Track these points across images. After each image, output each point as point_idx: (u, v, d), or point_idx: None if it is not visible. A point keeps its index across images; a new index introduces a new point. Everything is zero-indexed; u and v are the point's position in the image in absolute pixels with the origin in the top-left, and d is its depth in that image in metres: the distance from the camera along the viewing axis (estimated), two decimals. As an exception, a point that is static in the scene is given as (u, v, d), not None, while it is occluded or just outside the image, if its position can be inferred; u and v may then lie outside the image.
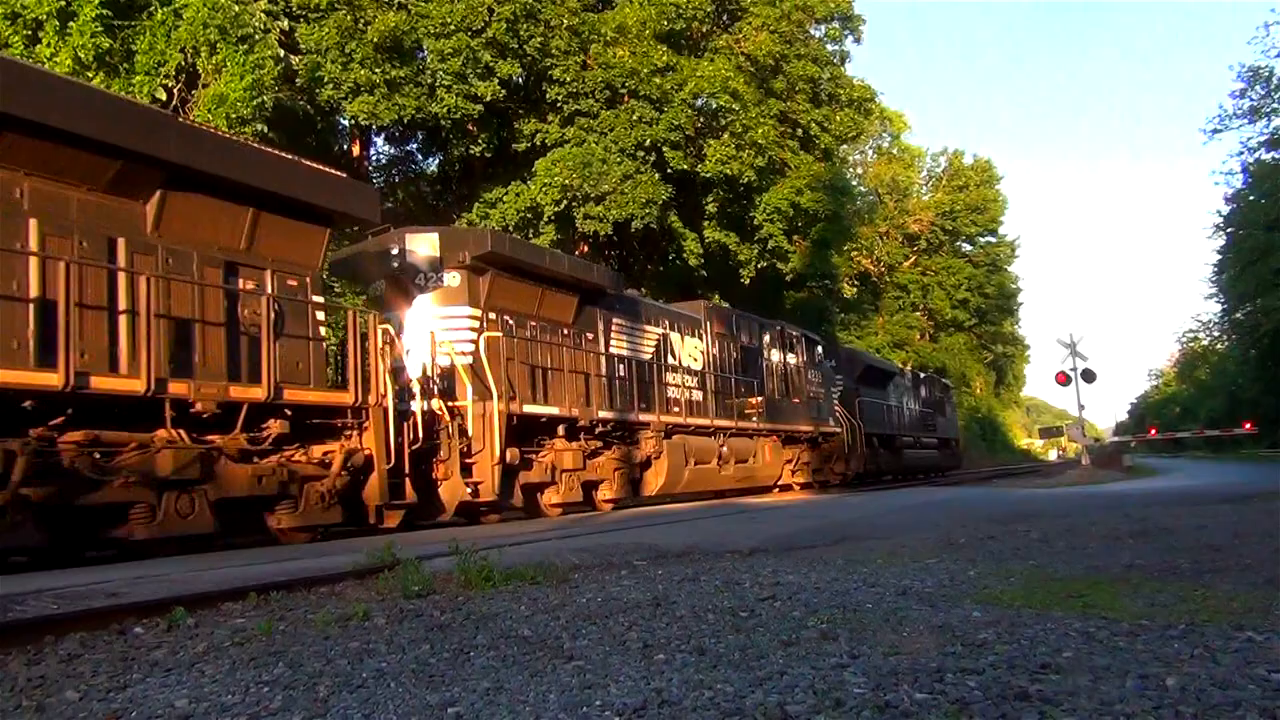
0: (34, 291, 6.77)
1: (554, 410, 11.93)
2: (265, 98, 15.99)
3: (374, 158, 27.51)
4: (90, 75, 14.86)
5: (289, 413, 8.50)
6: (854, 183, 44.15)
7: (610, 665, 3.33)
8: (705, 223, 25.70)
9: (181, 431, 7.61)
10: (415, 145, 27.24)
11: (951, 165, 57.50)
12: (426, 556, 5.92)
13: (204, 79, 15.65)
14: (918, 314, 54.58)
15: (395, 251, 11.27)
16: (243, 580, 5.36)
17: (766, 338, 18.76)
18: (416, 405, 9.97)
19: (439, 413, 10.29)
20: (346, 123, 23.32)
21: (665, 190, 22.38)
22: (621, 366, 13.82)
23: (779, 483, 18.74)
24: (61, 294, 6.72)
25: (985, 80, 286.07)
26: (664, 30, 22.78)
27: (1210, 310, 65.39)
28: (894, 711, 2.57)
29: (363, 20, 19.63)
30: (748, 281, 26.64)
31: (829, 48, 28.77)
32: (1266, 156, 40.19)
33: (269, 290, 8.61)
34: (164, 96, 15.37)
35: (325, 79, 19.42)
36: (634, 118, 22.10)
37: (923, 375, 33.84)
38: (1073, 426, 39.31)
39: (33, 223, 6.95)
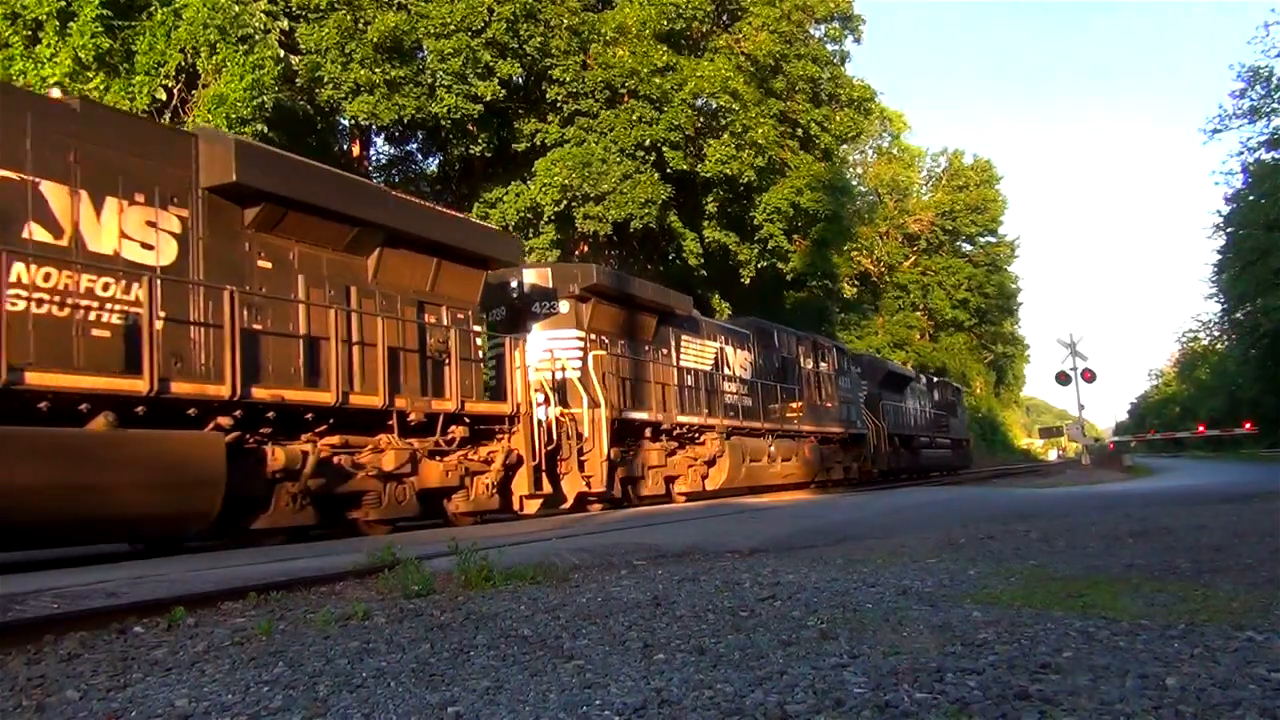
0: (302, 330, 8.85)
1: (644, 415, 13.98)
2: (265, 98, 16.00)
3: (374, 158, 27.53)
4: (90, 75, 14.87)
5: (467, 420, 10.55)
6: (854, 183, 44.16)
7: (610, 665, 3.33)
8: (705, 223, 25.70)
9: (394, 436, 9.60)
10: (415, 145, 27.25)
11: (951, 165, 57.49)
12: (426, 556, 5.92)
13: (204, 79, 15.65)
14: (918, 314, 54.58)
15: (514, 284, 13.16)
16: (243, 580, 5.36)
17: (802, 349, 20.76)
18: (542, 413, 11.79)
19: (561, 419, 12.19)
20: (346, 123, 23.33)
21: (665, 190, 22.38)
22: (689, 377, 15.75)
23: (816, 479, 20.50)
24: (332, 332, 8.85)
25: (985, 80, 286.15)
26: (664, 30, 22.78)
27: (1210, 310, 65.45)
28: (894, 711, 2.57)
29: (363, 20, 19.63)
30: (748, 281, 26.65)
31: (829, 48, 28.79)
32: (1266, 156, 40.21)
33: (446, 322, 10.63)
34: (164, 97, 15.38)
35: (325, 79, 19.43)
36: (634, 118, 22.10)
37: (936, 380, 35.84)
38: (1073, 426, 39.41)
39: (300, 278, 8.96)
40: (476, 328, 11.36)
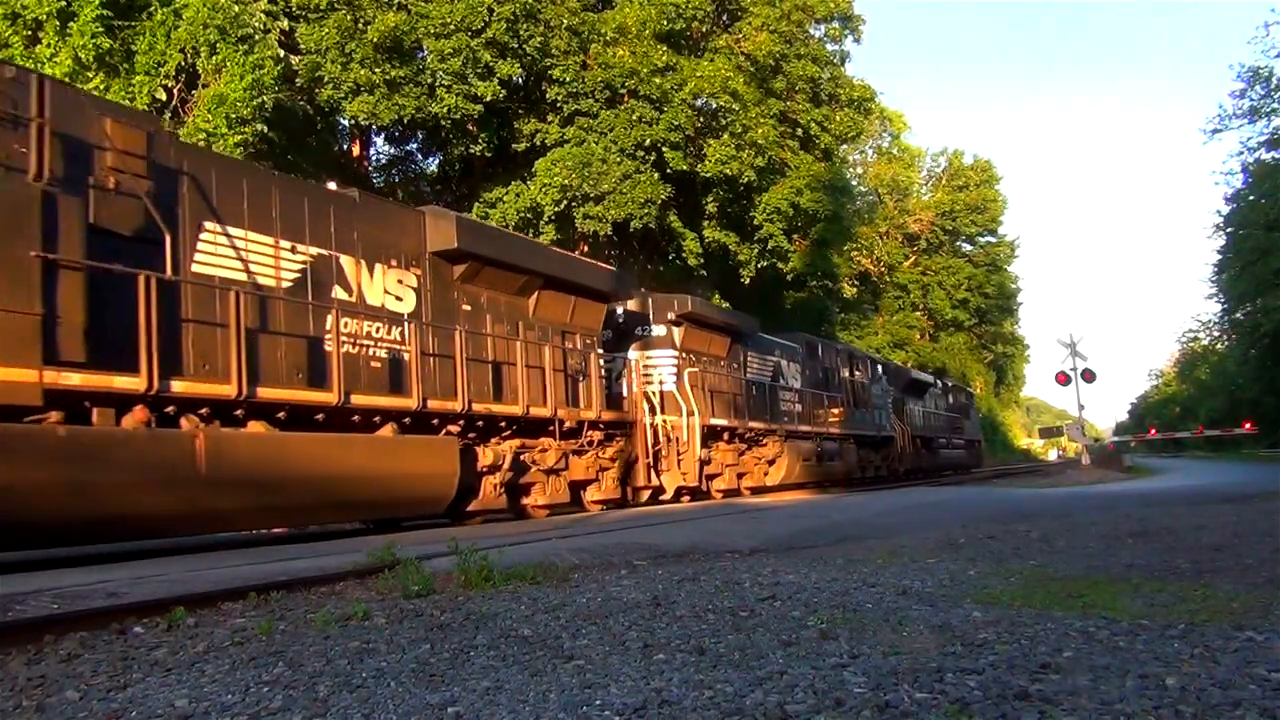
0: (491, 356, 11.37)
1: (724, 421, 16.20)
2: (265, 98, 16.00)
3: (374, 158, 27.52)
4: (90, 75, 14.87)
5: (601, 426, 13.08)
6: (854, 183, 44.14)
7: (610, 665, 3.33)
8: (705, 223, 25.69)
9: (553, 439, 12.07)
10: (415, 145, 27.23)
11: (951, 165, 57.45)
12: (426, 556, 5.92)
13: (204, 79, 15.65)
14: (918, 314, 54.56)
15: (620, 311, 15.04)
16: (243, 580, 5.36)
17: (840, 359, 23.27)
18: (649, 420, 14.22)
19: (663, 425, 14.54)
20: (346, 123, 23.32)
21: (665, 190, 22.37)
22: (754, 388, 17.90)
23: (855, 476, 22.92)
24: (517, 358, 11.51)
25: (985, 80, 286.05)
26: (664, 30, 22.76)
27: (1210, 310, 65.42)
28: (894, 711, 2.57)
29: (363, 20, 19.62)
30: (748, 281, 26.64)
31: (829, 48, 28.75)
32: (1266, 156, 40.21)
33: (580, 347, 13.07)
34: (164, 97, 15.37)
35: (325, 79, 19.42)
36: (634, 118, 22.09)
37: (950, 384, 38.01)
38: (1073, 426, 39.46)
39: (488, 317, 11.45)
40: (600, 350, 13.76)
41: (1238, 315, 47.83)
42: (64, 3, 14.65)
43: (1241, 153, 41.61)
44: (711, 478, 16.05)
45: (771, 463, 18.04)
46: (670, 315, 15.30)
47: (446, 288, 10.90)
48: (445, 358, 10.52)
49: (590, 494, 13.15)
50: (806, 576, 5.52)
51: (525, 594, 5.12)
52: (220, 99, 15.15)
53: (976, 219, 55.68)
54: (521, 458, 11.57)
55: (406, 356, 10.00)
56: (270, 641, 3.96)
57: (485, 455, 10.96)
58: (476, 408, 10.73)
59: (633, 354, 14.74)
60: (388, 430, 9.76)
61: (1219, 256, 47.01)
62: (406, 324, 10.10)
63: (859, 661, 3.17)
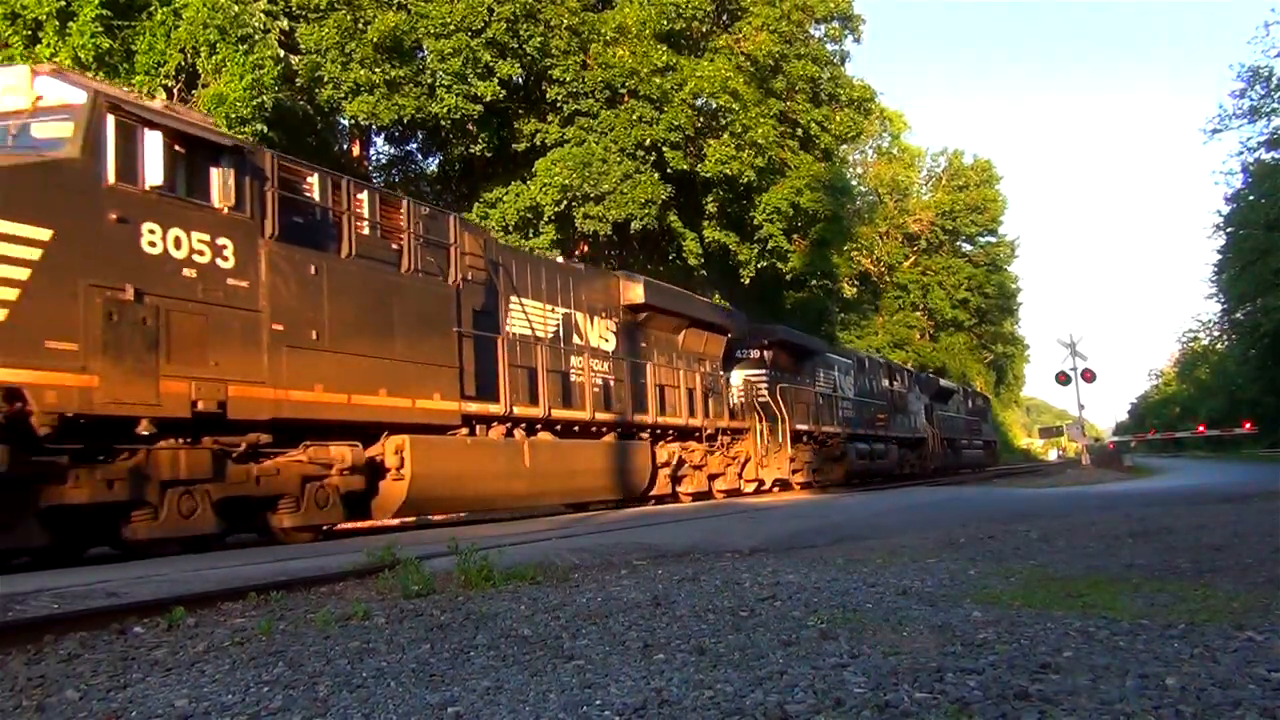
0: (660, 381, 15.08)
1: (805, 427, 19.54)
2: (265, 98, 15.99)
3: (374, 158, 27.50)
4: (90, 75, 14.87)
5: (729, 432, 16.87)
6: (854, 183, 44.11)
7: (610, 665, 3.33)
8: (705, 223, 25.67)
9: (698, 442, 15.95)
10: (415, 145, 27.20)
11: (951, 165, 57.40)
12: (426, 556, 5.92)
13: (204, 79, 15.66)
14: (918, 314, 54.54)
15: (728, 338, 18.14)
16: (243, 580, 5.36)
17: (882, 372, 26.71)
18: (759, 426, 17.74)
19: (765, 431, 17.85)
20: (346, 123, 23.31)
21: (665, 190, 22.35)
22: (821, 399, 21.25)
23: (897, 472, 26.02)
24: (679, 382, 15.54)
25: (985, 80, 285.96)
26: (664, 30, 22.75)
27: (1210, 310, 65.34)
28: (894, 711, 2.57)
29: (363, 20, 19.60)
30: (748, 281, 26.63)
31: (829, 48, 28.71)
32: (1266, 156, 40.20)
33: (709, 371, 16.85)
34: (164, 96, 15.36)
35: (325, 79, 19.41)
36: (634, 118, 22.08)
37: (970, 390, 41.87)
38: (1073, 426, 39.54)
39: (655, 351, 15.23)
40: (722, 372, 17.55)
41: (1238, 315, 47.83)
42: (64, 3, 14.64)
43: (1241, 153, 41.65)
44: (795, 472, 19.25)
45: (838, 460, 21.57)
46: (764, 341, 19.24)
47: (632, 330, 14.81)
48: (637, 383, 14.39)
49: (718, 484, 16.67)
50: (807, 576, 5.52)
51: (525, 594, 5.12)
52: (220, 99, 15.15)
53: (976, 219, 55.64)
54: (678, 457, 15.42)
55: (614, 383, 13.83)
56: (270, 641, 3.96)
57: (661, 454, 14.91)
58: (659, 420, 14.74)
59: (738, 373, 18.50)
60: (610, 437, 13.49)
61: (1219, 256, 47.05)
62: (612, 359, 13.96)
63: (859, 661, 3.17)
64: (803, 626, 3.90)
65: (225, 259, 7.91)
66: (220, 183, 7.97)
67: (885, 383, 26.24)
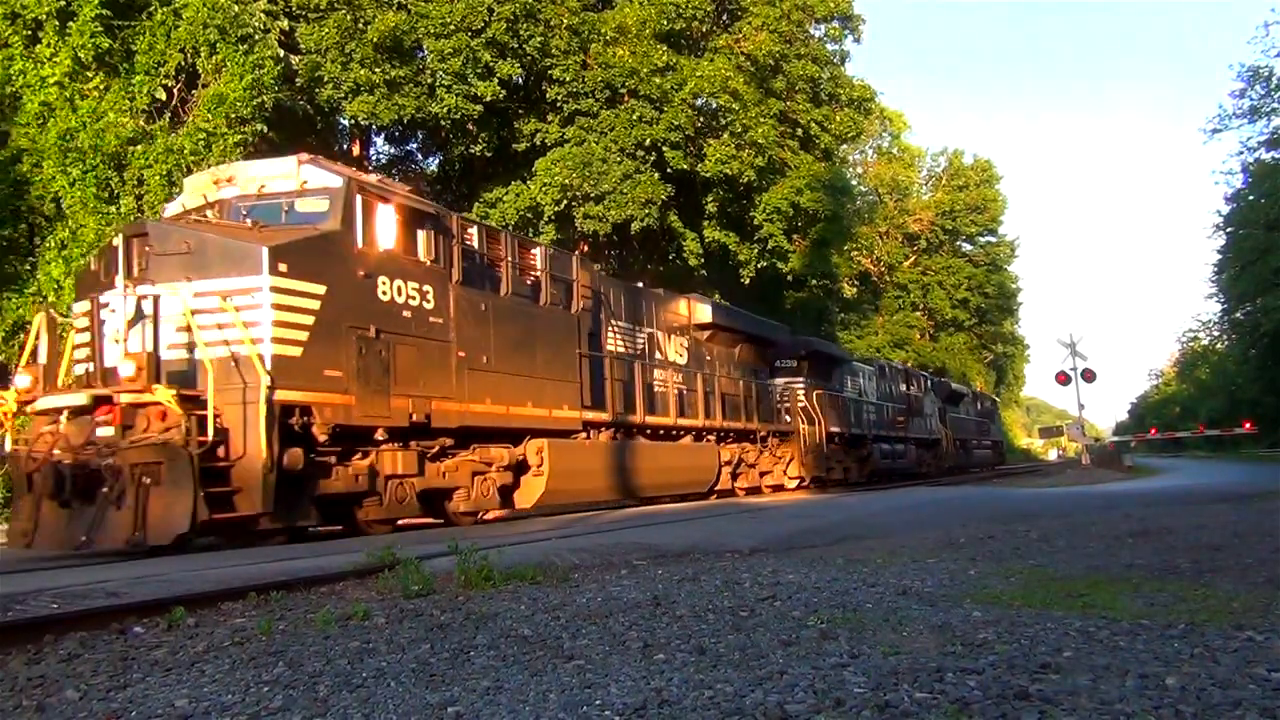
0: (722, 390, 16.98)
1: (838, 429, 21.43)
2: (265, 98, 15.97)
3: (374, 158, 27.49)
4: (90, 75, 14.86)
5: (779, 434, 19.14)
6: (854, 183, 44.09)
7: (610, 665, 3.33)
8: (705, 222, 25.66)
9: (754, 444, 18.20)
10: (415, 145, 27.21)
11: (951, 165, 57.37)
12: (426, 556, 5.92)
13: (204, 79, 15.63)
14: (918, 314, 54.52)
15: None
16: (243, 580, 5.36)
17: (900, 377, 28.60)
18: (803, 429, 19.78)
19: (806, 432, 19.76)
20: (346, 123, 23.31)
21: (665, 190, 22.34)
22: (849, 404, 23.06)
23: (915, 471, 27.90)
24: (739, 390, 17.83)
25: (985, 80, 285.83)
26: (664, 30, 22.74)
27: (1210, 310, 65.26)
28: (894, 711, 2.57)
29: (363, 20, 19.60)
30: (748, 281, 26.62)
31: (829, 47, 28.69)
32: (1266, 156, 40.17)
33: (760, 380, 18.88)
34: (163, 96, 15.36)
35: (325, 79, 19.41)
36: (634, 117, 22.07)
37: (979, 393, 44.14)
38: (1073, 426, 39.58)
39: (718, 363, 17.25)
40: (766, 380, 19.42)
41: (1238, 315, 47.79)
42: (64, 2, 14.62)
43: (1241, 152, 41.60)
44: (829, 470, 21.22)
45: (865, 460, 23.39)
46: (801, 351, 20.99)
47: (697, 345, 16.78)
48: (705, 392, 16.35)
49: (766, 480, 18.95)
50: (806, 576, 5.52)
51: (525, 594, 5.12)
52: (220, 99, 15.13)
53: (976, 219, 55.62)
54: (739, 456, 17.48)
55: (686, 392, 15.88)
56: (270, 641, 3.96)
57: (724, 454, 16.82)
58: (722, 424, 16.69)
59: (779, 380, 20.17)
60: (687, 440, 15.74)
61: (1219, 256, 46.98)
62: (685, 372, 16.07)
63: (859, 661, 3.17)
64: (803, 626, 3.90)
65: (428, 301, 9.99)
66: (425, 242, 10.09)
67: (903, 387, 28.13)
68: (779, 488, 19.29)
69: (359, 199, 9.33)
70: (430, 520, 11.10)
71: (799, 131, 26.82)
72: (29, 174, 14.27)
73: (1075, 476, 28.08)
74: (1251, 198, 41.58)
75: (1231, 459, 44.35)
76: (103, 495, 7.56)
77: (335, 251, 9.04)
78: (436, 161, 27.69)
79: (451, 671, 3.34)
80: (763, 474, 18.73)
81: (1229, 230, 44.53)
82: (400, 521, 10.13)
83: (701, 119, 23.59)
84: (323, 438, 8.63)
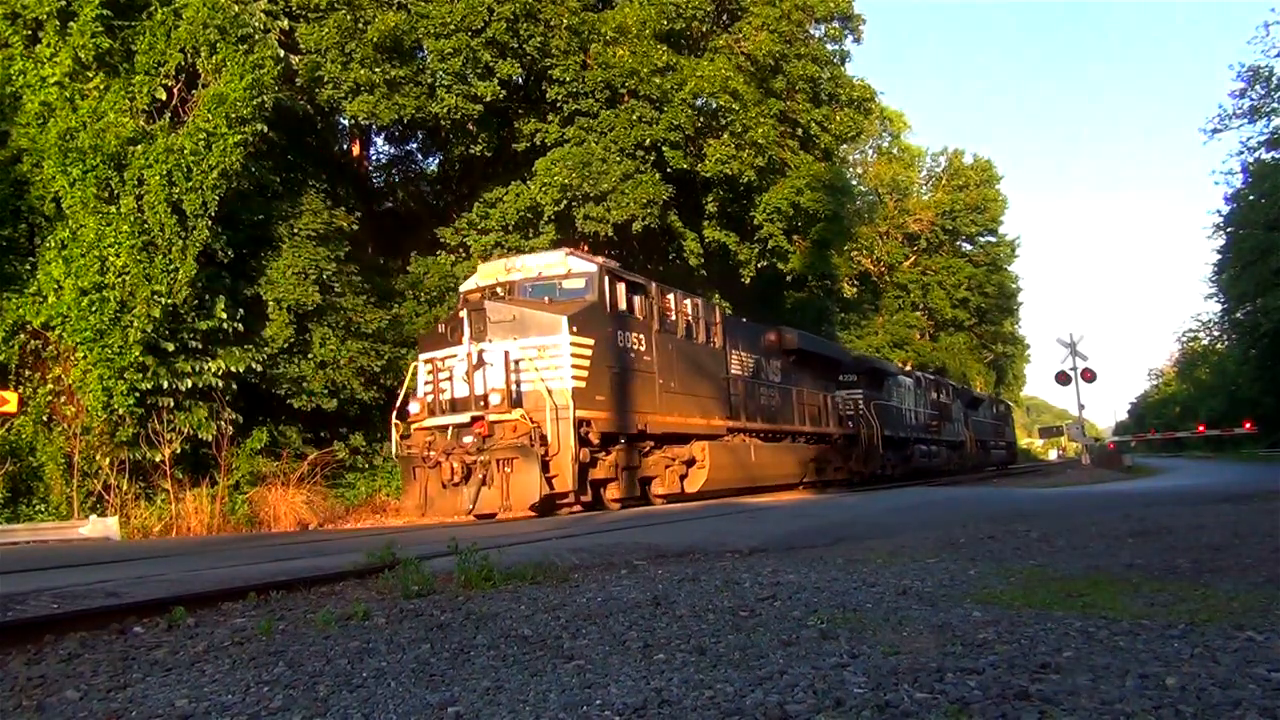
0: (805, 402, 20.32)
1: (890, 433, 25.00)
2: (265, 98, 15.95)
3: (374, 157, 27.50)
4: (90, 75, 14.85)
5: (849, 438, 22.51)
6: (854, 183, 44.07)
7: (610, 665, 3.33)
8: (705, 222, 25.65)
9: (829, 447, 21.57)
10: (415, 145, 27.19)
11: (951, 165, 57.36)
12: (426, 556, 5.92)
13: (204, 79, 15.62)
14: (918, 314, 54.51)
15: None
16: (243, 580, 5.36)
17: (932, 386, 31.84)
18: (865, 433, 23.59)
19: (868, 434, 23.45)
20: (346, 122, 23.30)
21: (666, 190, 22.33)
22: (893, 410, 26.12)
23: (944, 469, 31.19)
24: (820, 403, 21.48)
25: (985, 80, 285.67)
26: (664, 30, 22.72)
27: (1210, 310, 65.19)
28: (894, 711, 2.57)
29: (363, 20, 19.59)
30: (748, 281, 26.61)
31: (829, 47, 28.67)
32: (1266, 156, 40.16)
33: (830, 392, 22.08)
34: (164, 96, 15.36)
35: (325, 79, 19.40)
36: (634, 117, 22.06)
37: (994, 398, 48.58)
38: (1073, 426, 39.64)
39: (802, 380, 20.57)
40: (833, 393, 22.49)
41: (1238, 315, 47.77)
42: (64, 2, 14.62)
43: (1241, 152, 41.61)
44: (882, 467, 24.35)
45: (907, 459, 26.89)
46: (860, 368, 24.60)
47: (789, 367, 20.01)
48: (796, 404, 19.76)
49: (838, 474, 21.92)
50: (806, 576, 5.52)
51: (525, 594, 5.12)
52: (220, 99, 15.11)
53: (976, 219, 55.61)
54: (819, 456, 20.79)
55: (781, 404, 19.13)
56: (270, 641, 3.96)
57: (809, 454, 20.20)
58: (810, 429, 20.19)
59: (840, 393, 22.92)
60: (786, 441, 19.12)
61: (1219, 256, 46.97)
62: (779, 388, 19.25)
63: (859, 661, 3.17)
64: (803, 626, 3.90)
65: (642, 346, 14.09)
66: (639, 304, 14.31)
67: (934, 395, 31.55)
68: (844, 482, 22.36)
69: (605, 279, 13.44)
70: (637, 498, 14.29)
71: (799, 131, 26.80)
72: (29, 174, 14.26)
73: (1075, 476, 28.08)
74: (1251, 198, 41.56)
75: (1231, 459, 44.33)
76: (478, 480, 11.64)
77: (596, 316, 13.03)
78: (436, 161, 27.69)
79: (451, 671, 3.34)
80: (835, 469, 22.11)
81: (1229, 230, 44.51)
82: (623, 499, 13.59)
83: (701, 119, 23.57)
84: (595, 441, 12.50)
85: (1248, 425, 44.05)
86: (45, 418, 13.85)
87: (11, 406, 12.98)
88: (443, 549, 6.07)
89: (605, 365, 12.82)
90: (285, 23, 19.24)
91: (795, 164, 25.78)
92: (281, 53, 17.55)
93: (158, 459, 14.20)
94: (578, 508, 12.54)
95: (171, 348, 14.41)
